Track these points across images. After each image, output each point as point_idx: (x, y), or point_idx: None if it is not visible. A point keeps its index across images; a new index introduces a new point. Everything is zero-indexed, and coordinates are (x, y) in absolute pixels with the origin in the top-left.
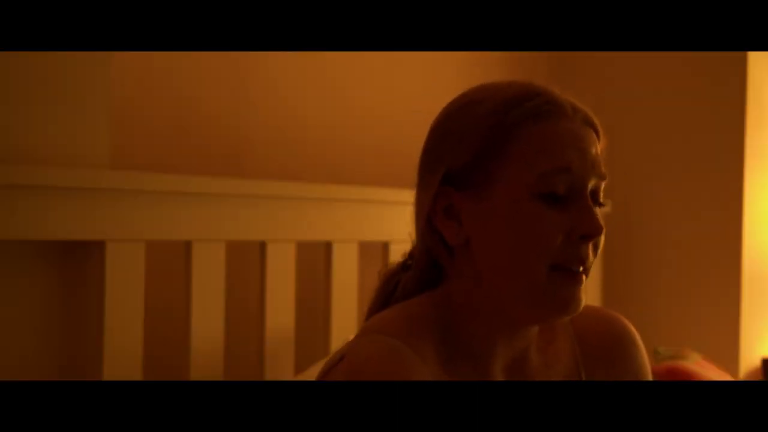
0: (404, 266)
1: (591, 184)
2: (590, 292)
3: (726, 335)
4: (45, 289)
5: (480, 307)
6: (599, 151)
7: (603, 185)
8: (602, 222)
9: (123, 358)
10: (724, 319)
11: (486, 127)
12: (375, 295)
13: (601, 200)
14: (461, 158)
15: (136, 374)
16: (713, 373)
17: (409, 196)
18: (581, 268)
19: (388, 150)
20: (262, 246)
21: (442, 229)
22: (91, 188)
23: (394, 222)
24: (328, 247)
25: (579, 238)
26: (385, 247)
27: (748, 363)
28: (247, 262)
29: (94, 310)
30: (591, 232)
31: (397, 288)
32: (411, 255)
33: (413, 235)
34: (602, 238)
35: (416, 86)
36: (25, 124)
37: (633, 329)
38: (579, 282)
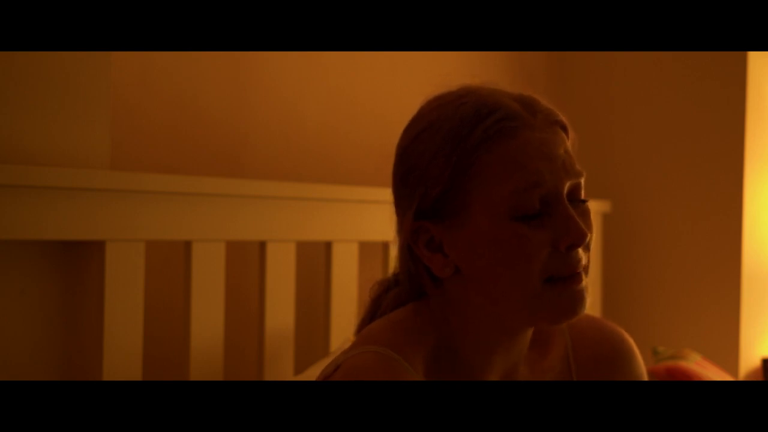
0: (396, 280)
1: (567, 187)
2: (590, 292)
3: (726, 335)
4: (45, 289)
5: (468, 328)
6: (569, 148)
7: (582, 182)
8: (587, 224)
9: (123, 357)
10: (724, 319)
11: (450, 151)
12: (366, 308)
13: (583, 197)
14: (433, 187)
15: (136, 374)
16: (713, 373)
17: None
18: (578, 269)
19: (388, 150)
20: (262, 246)
21: (429, 263)
22: (91, 188)
23: (394, 222)
24: (328, 247)
25: (567, 249)
26: (385, 247)
27: (748, 363)
28: (247, 262)
29: (94, 310)
30: (576, 241)
31: (383, 304)
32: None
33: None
34: (592, 235)
35: (416, 86)
36: (26, 124)
37: (631, 342)
38: (577, 283)
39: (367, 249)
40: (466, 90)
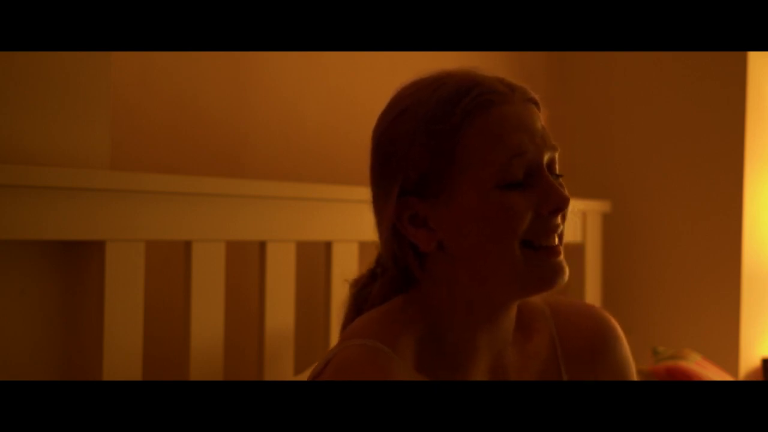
0: (373, 275)
1: (546, 159)
2: (591, 292)
3: (726, 335)
4: (45, 289)
5: (456, 308)
6: (544, 123)
7: (557, 156)
8: (566, 193)
9: (123, 357)
10: (724, 319)
11: (430, 134)
12: (347, 307)
13: (557, 171)
14: (415, 170)
15: (136, 374)
16: (713, 373)
17: None
18: (556, 240)
19: None
20: (262, 246)
21: (413, 238)
22: (91, 188)
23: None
24: (328, 247)
25: (549, 214)
26: None
27: (748, 363)
28: (247, 262)
29: (94, 310)
30: (559, 205)
31: (368, 299)
32: (378, 263)
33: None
34: (569, 207)
35: None
36: (26, 125)
37: (615, 323)
38: (557, 254)
39: (367, 249)
40: (442, 73)
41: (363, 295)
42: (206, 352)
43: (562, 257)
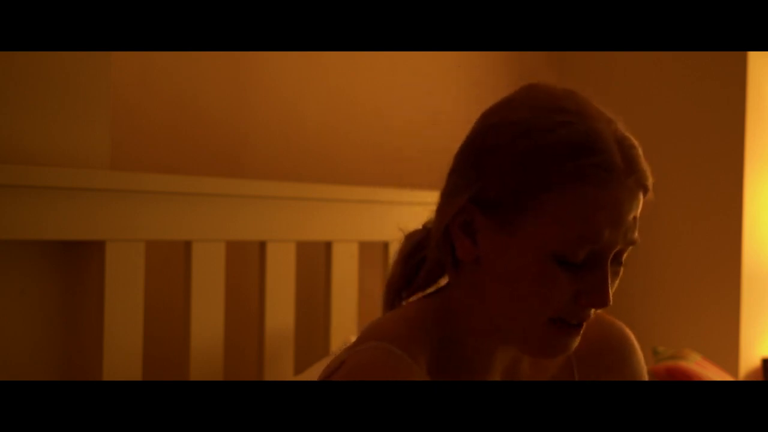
0: (426, 245)
1: (617, 249)
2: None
3: (726, 335)
4: (45, 289)
5: (477, 322)
6: (638, 214)
7: (630, 248)
8: (613, 287)
9: (123, 357)
10: (724, 319)
11: (529, 167)
12: (398, 269)
13: (623, 261)
14: (494, 188)
15: (136, 374)
16: (713, 373)
17: (408, 196)
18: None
19: (388, 150)
20: (262, 246)
21: (456, 241)
22: (91, 188)
23: (394, 222)
24: (328, 247)
25: (585, 304)
26: (385, 247)
27: (748, 363)
28: (247, 262)
29: (94, 310)
30: (598, 305)
31: (419, 271)
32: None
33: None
34: (610, 303)
35: (416, 86)
36: (26, 124)
37: (631, 335)
38: (576, 335)
39: (367, 249)
40: (569, 99)
41: (413, 262)
42: (206, 352)
43: (576, 338)
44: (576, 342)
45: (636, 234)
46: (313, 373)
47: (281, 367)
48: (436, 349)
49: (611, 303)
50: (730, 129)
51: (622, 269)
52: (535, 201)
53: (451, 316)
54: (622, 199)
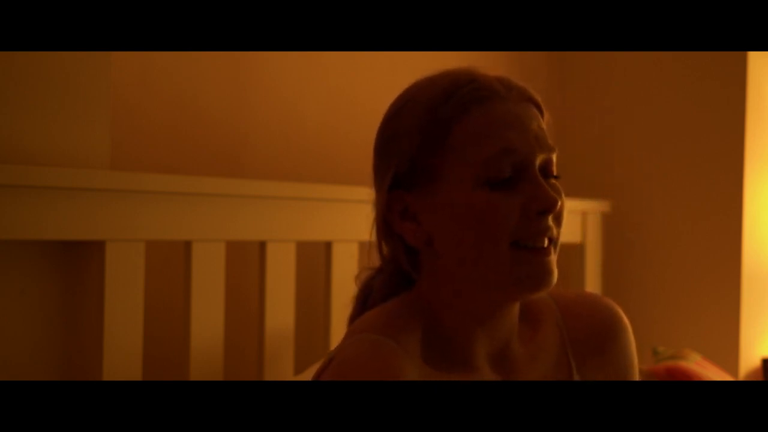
0: (379, 269)
1: (539, 160)
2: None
3: (726, 335)
4: (45, 289)
5: (452, 302)
6: (543, 125)
7: (554, 157)
8: (558, 194)
9: (123, 357)
10: (724, 319)
11: (423, 124)
12: (354, 302)
13: (555, 173)
14: (405, 159)
15: (136, 374)
16: (713, 373)
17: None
18: (546, 242)
19: None
20: (262, 246)
21: (402, 231)
22: (91, 188)
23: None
24: (328, 247)
25: (536, 215)
26: None
27: (748, 363)
28: (247, 262)
29: (94, 310)
30: (546, 207)
31: (373, 291)
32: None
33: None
34: (563, 210)
35: None
36: (26, 124)
37: (619, 310)
38: (545, 255)
39: (366, 249)
40: (444, 70)
41: (368, 287)
42: (206, 352)
43: (551, 258)
44: (553, 270)
45: (550, 142)
46: (313, 374)
47: (281, 367)
48: (424, 336)
49: (559, 204)
50: (730, 129)
51: (558, 182)
52: (440, 148)
53: (426, 306)
54: (512, 109)
